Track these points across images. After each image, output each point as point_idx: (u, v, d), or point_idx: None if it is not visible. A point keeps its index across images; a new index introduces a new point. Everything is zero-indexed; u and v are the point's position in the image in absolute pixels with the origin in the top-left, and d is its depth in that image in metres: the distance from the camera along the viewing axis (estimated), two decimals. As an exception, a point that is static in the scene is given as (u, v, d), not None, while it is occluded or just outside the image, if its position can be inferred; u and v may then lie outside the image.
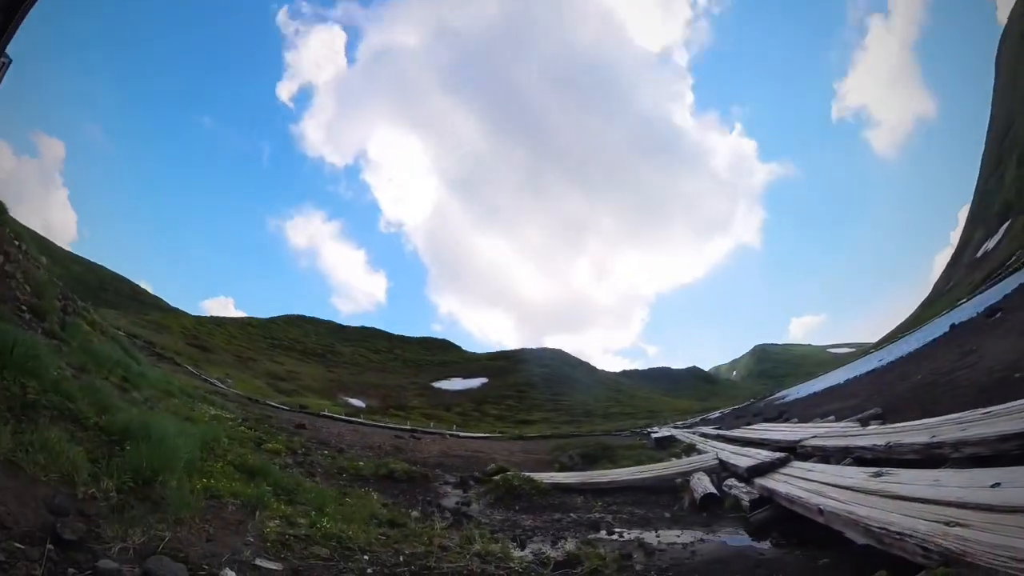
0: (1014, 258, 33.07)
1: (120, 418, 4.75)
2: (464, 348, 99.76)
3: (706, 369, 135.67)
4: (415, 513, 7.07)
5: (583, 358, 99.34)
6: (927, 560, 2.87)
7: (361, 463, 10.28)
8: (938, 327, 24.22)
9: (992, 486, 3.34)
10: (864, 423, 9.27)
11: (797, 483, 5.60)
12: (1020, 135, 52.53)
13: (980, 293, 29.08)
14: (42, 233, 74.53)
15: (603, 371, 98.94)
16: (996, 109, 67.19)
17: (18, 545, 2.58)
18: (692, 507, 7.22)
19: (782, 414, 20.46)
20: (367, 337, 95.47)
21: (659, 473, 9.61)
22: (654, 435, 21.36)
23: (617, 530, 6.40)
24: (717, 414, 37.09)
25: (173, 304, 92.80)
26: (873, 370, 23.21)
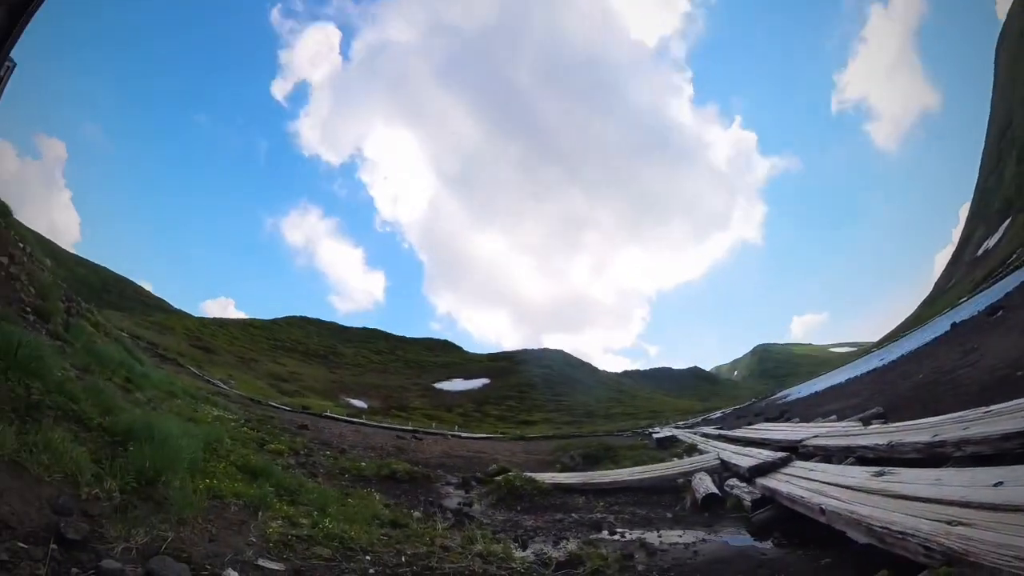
0: (1015, 256, 32.98)
1: (123, 419, 4.76)
2: (465, 349, 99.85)
3: (707, 369, 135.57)
4: (417, 513, 7.07)
5: (584, 358, 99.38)
6: (929, 560, 2.86)
7: (363, 464, 10.29)
8: (939, 326, 24.19)
9: (995, 485, 3.34)
10: (866, 422, 9.25)
11: (799, 483, 5.59)
12: (1019, 133, 52.37)
13: (981, 291, 29.01)
14: (47, 235, 74.87)
15: (604, 371, 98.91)
16: (995, 107, 67.06)
17: (22, 545, 2.59)
18: (694, 507, 7.21)
19: (783, 414, 20.43)
20: (369, 338, 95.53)
21: (661, 473, 9.60)
22: (656, 435, 21.35)
23: (619, 530, 6.39)
24: (718, 414, 37.02)
25: (175, 305, 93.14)
26: (874, 369, 23.17)
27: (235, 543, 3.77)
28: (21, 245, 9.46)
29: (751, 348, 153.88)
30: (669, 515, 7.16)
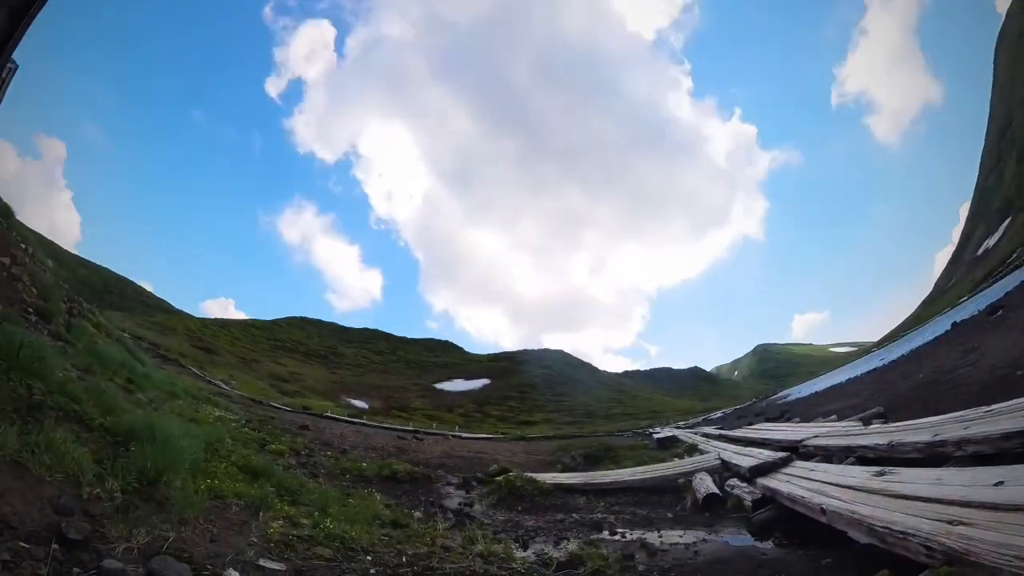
0: (1015, 255, 32.97)
1: (125, 419, 4.77)
2: (466, 349, 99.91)
3: (708, 369, 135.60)
4: (418, 514, 7.08)
5: (584, 358, 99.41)
6: (930, 559, 2.86)
7: (364, 464, 10.29)
8: (940, 325, 24.18)
9: (995, 484, 3.34)
10: (866, 422, 9.25)
11: (799, 483, 5.59)
12: (1019, 132, 52.36)
13: (981, 291, 29.00)
14: (48, 236, 74.99)
15: (605, 372, 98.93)
16: (995, 106, 67.06)
17: (24, 545, 2.60)
18: (694, 507, 7.21)
19: (784, 414, 20.42)
20: (369, 339, 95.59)
21: (661, 473, 9.60)
22: (656, 435, 21.34)
23: (620, 530, 6.39)
24: (719, 414, 37.01)
25: (176, 306, 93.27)
26: (875, 369, 23.17)
27: (236, 543, 3.77)
28: (23, 246, 9.49)
29: (751, 348, 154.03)
30: (670, 515, 7.15)
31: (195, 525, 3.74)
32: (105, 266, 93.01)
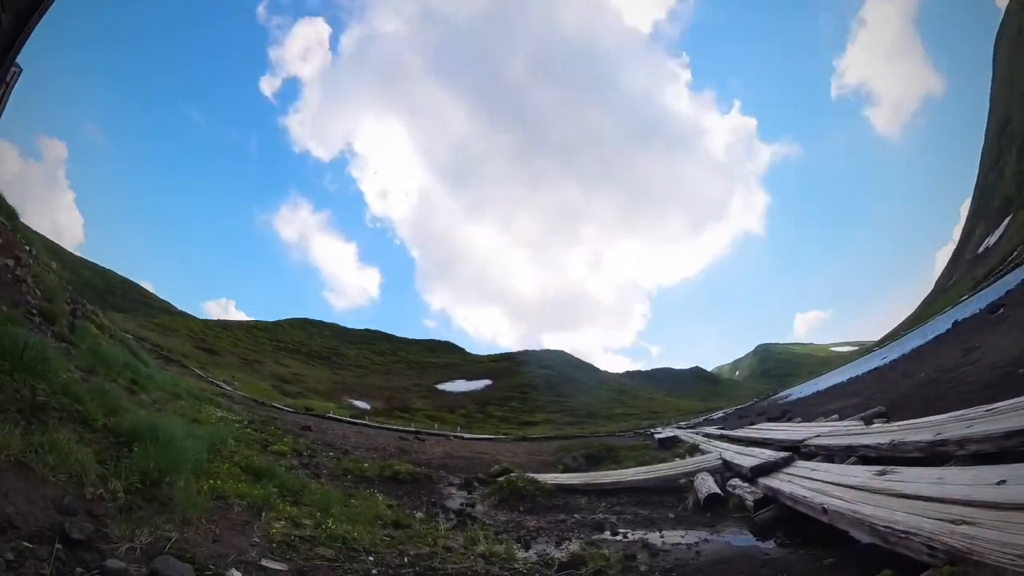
0: (1015, 253, 32.90)
1: (128, 420, 4.79)
2: (466, 350, 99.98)
3: (709, 369, 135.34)
4: (420, 514, 7.09)
5: (585, 358, 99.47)
6: (933, 559, 2.86)
7: (366, 465, 10.30)
8: (941, 324, 24.14)
9: (998, 483, 3.33)
10: (868, 422, 9.23)
11: (801, 482, 5.59)
12: (1019, 130, 52.26)
13: (982, 289, 28.94)
14: (52, 237, 75.19)
15: (606, 372, 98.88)
16: (994, 103, 66.94)
17: (27, 544, 2.61)
18: (696, 507, 7.20)
19: (785, 413, 20.40)
20: (371, 340, 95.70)
21: (663, 474, 9.58)
22: (657, 436, 21.31)
23: (621, 531, 6.39)
24: (720, 414, 36.97)
25: (178, 307, 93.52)
26: (876, 368, 23.15)
27: (239, 543, 3.78)
28: (27, 248, 9.54)
29: (752, 348, 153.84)
30: (671, 515, 7.15)
31: (198, 525, 3.75)
32: (108, 268, 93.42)
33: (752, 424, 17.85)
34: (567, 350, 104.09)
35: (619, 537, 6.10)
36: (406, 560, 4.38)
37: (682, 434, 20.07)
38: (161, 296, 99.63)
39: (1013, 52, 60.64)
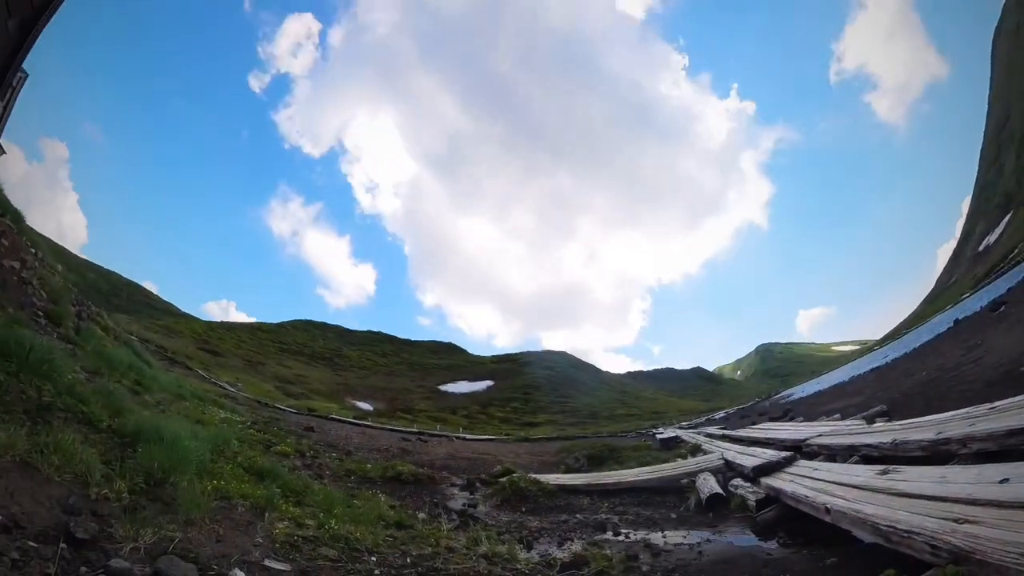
0: (1016, 250, 32.77)
1: (132, 420, 4.82)
2: (468, 350, 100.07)
3: (710, 369, 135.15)
4: (422, 515, 7.10)
5: (586, 358, 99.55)
6: (936, 558, 2.85)
7: (369, 465, 10.32)
8: (942, 322, 24.06)
9: (1000, 482, 3.33)
10: (870, 421, 9.20)
11: (803, 482, 5.57)
12: (1018, 127, 52.07)
13: (983, 287, 28.84)
14: (56, 239, 75.60)
15: (608, 372, 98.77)
16: (993, 101, 66.74)
17: (32, 544, 2.63)
18: (698, 507, 7.19)
19: (787, 413, 20.35)
20: (373, 341, 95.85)
21: (665, 474, 9.57)
22: (659, 436, 21.25)
23: (623, 531, 6.39)
24: (722, 414, 36.89)
25: (182, 309, 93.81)
26: (878, 367, 23.10)
27: (242, 544, 3.80)
28: (33, 250, 9.61)
29: (754, 348, 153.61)
30: (673, 515, 7.14)
31: (201, 525, 3.77)
32: (113, 270, 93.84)
33: (754, 424, 17.80)
34: (568, 350, 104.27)
35: (621, 537, 6.09)
36: (409, 560, 4.39)
37: (684, 434, 20.03)
38: (164, 298, 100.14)
39: (1012, 49, 60.46)
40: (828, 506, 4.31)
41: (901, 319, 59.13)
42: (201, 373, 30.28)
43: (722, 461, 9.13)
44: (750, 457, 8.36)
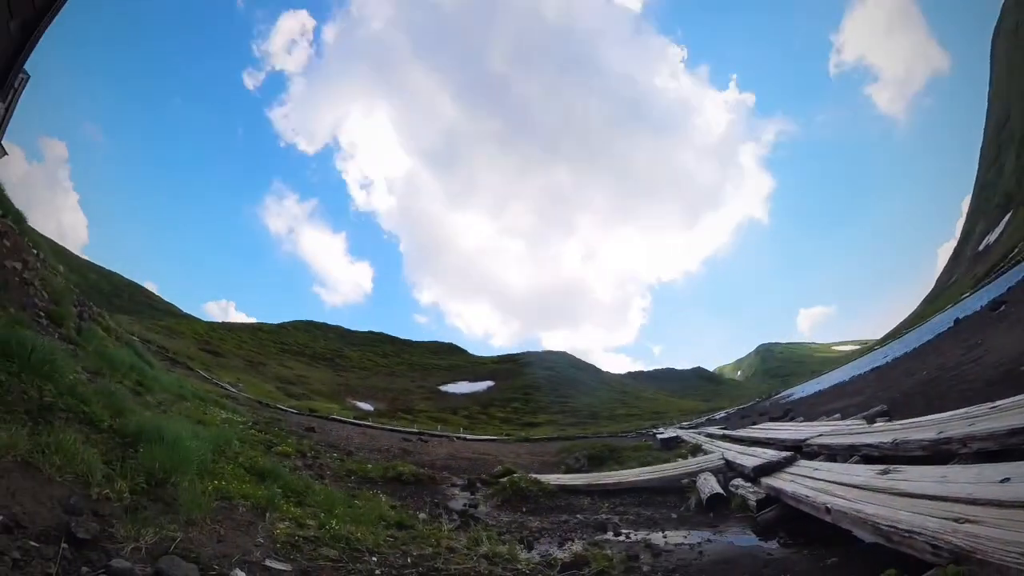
0: (1016, 250, 32.77)
1: (134, 421, 4.82)
2: (468, 351, 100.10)
3: (711, 369, 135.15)
4: (423, 515, 7.10)
5: (586, 358, 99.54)
6: (937, 558, 2.85)
7: (369, 466, 10.33)
8: (942, 322, 24.05)
9: (1001, 481, 3.33)
10: (870, 420, 9.20)
11: (804, 482, 5.57)
12: (1018, 126, 52.06)
13: (983, 287, 28.84)
14: (57, 239, 75.67)
15: (608, 372, 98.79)
16: (992, 100, 66.71)
17: (34, 543, 2.64)
18: (699, 507, 7.19)
19: (787, 413, 20.34)
20: (374, 342, 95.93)
21: (665, 474, 9.57)
22: (660, 436, 21.25)
23: (624, 531, 6.39)
24: (723, 414, 36.88)
25: (184, 310, 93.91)
26: (878, 367, 23.10)
27: (243, 544, 3.80)
28: (35, 251, 9.64)
29: (754, 348, 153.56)
30: (674, 516, 7.14)
31: (202, 526, 3.77)
32: (114, 271, 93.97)
33: (754, 424, 17.80)
34: (568, 350, 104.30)
35: (622, 537, 6.09)
36: (409, 561, 4.39)
37: (684, 434, 20.03)
38: (165, 299, 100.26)
39: (1011, 48, 60.44)
40: (829, 506, 4.31)
41: (901, 319, 59.21)
42: (202, 374, 30.30)
43: (723, 461, 9.13)
44: (750, 457, 8.36)
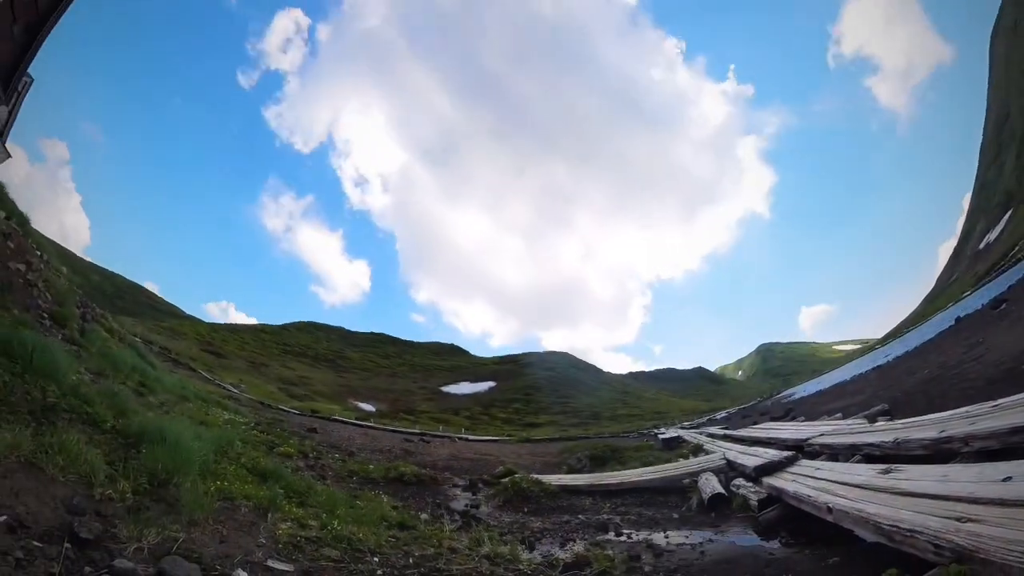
0: (1017, 248, 32.69)
1: (136, 421, 4.84)
2: (470, 352, 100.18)
3: (712, 369, 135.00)
4: (425, 515, 7.11)
5: (586, 358, 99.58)
6: (939, 557, 2.85)
7: (371, 466, 10.34)
8: (943, 320, 24.01)
9: (1003, 480, 3.32)
10: (871, 420, 9.18)
11: (805, 482, 5.57)
12: (1018, 125, 51.96)
13: (984, 285, 28.78)
14: (59, 240, 75.88)
15: (609, 373, 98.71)
16: (991, 99, 66.58)
17: (37, 543, 2.65)
18: (700, 507, 7.18)
19: (789, 412, 20.30)
20: (376, 343, 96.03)
21: (667, 474, 9.56)
22: (661, 436, 21.22)
23: (626, 531, 6.39)
24: (724, 414, 36.84)
25: (186, 311, 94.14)
26: (879, 366, 23.06)
27: (245, 544, 3.81)
28: (38, 253, 9.68)
29: (755, 347, 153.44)
30: (676, 516, 7.13)
31: (205, 526, 3.79)
32: (117, 272, 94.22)
33: (756, 424, 17.77)
34: (567, 350, 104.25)
35: (623, 538, 6.09)
36: (411, 561, 4.40)
37: (686, 434, 20.00)
38: (170, 301, 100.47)
39: (1010, 47, 60.32)
40: (830, 505, 4.31)
41: (902, 317, 59.11)
42: (205, 375, 30.35)
43: (724, 461, 9.12)
44: (752, 457, 8.35)
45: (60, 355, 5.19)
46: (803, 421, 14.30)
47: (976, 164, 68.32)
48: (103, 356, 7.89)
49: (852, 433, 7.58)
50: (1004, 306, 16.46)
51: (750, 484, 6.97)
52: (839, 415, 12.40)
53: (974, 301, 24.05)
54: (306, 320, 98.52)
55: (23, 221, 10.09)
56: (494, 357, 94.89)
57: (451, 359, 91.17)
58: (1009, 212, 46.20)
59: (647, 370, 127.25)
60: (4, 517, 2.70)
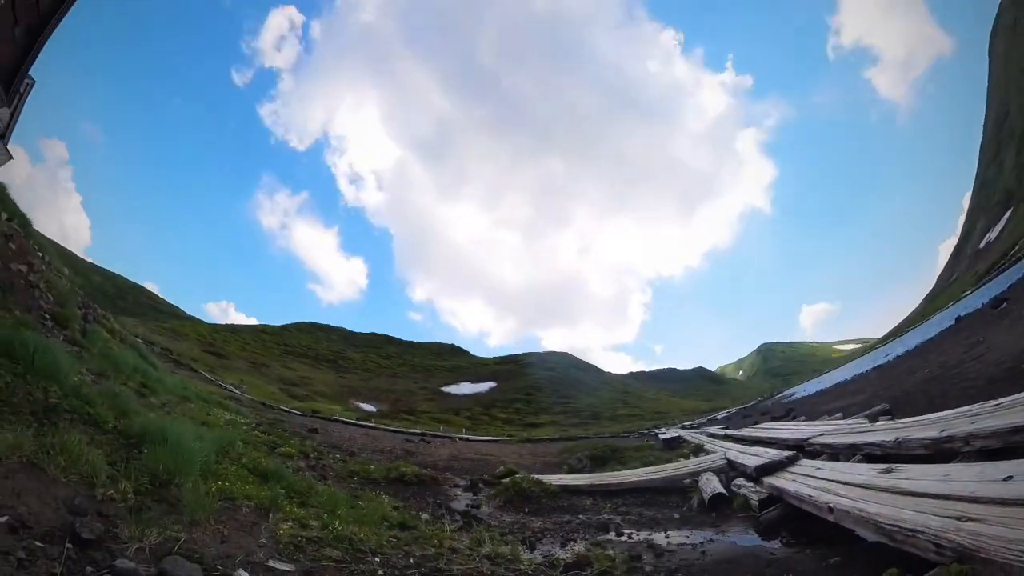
0: (1017, 247, 32.66)
1: (138, 422, 4.85)
2: (473, 353, 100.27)
3: (712, 369, 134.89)
4: (425, 515, 7.11)
5: (586, 357, 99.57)
6: (940, 557, 2.85)
7: (372, 466, 10.34)
8: (944, 320, 23.99)
9: (1004, 479, 3.32)
10: (872, 419, 9.18)
11: (806, 481, 5.56)
12: (1017, 124, 51.92)
13: (985, 284, 28.76)
14: (60, 241, 75.97)
15: (609, 373, 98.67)
16: (991, 98, 66.52)
17: (38, 544, 2.66)
18: (701, 507, 7.18)
19: (789, 412, 20.29)
20: (377, 343, 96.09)
21: (668, 474, 9.56)
22: (662, 436, 21.22)
23: (626, 531, 6.39)
24: (724, 414, 36.83)
25: (187, 312, 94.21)
26: (880, 365, 23.05)
27: (246, 544, 3.82)
28: (40, 254, 9.70)
29: (756, 347, 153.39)
30: (676, 516, 7.13)
31: (206, 526, 3.79)
32: (118, 273, 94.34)
33: (756, 423, 17.76)
34: (567, 349, 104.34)
35: (624, 538, 6.09)
36: (412, 561, 4.40)
37: (686, 434, 19.99)
38: (172, 302, 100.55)
39: (1009, 46, 60.29)
40: (831, 505, 4.31)
41: (903, 317, 59.07)
42: (206, 375, 30.39)
43: (725, 461, 9.12)
44: (753, 457, 8.34)
45: (62, 356, 5.20)
46: (804, 421, 14.30)
47: (976, 162, 68.41)
48: (105, 357, 7.90)
49: (853, 433, 7.57)
50: (1005, 305, 16.45)
51: (751, 484, 6.97)
52: (840, 415, 12.39)
53: (974, 300, 24.04)
54: (306, 320, 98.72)
55: (25, 222, 10.12)
56: (495, 357, 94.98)
57: (452, 359, 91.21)
58: (1009, 211, 46.18)
59: (647, 370, 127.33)
60: (6, 517, 2.71)
